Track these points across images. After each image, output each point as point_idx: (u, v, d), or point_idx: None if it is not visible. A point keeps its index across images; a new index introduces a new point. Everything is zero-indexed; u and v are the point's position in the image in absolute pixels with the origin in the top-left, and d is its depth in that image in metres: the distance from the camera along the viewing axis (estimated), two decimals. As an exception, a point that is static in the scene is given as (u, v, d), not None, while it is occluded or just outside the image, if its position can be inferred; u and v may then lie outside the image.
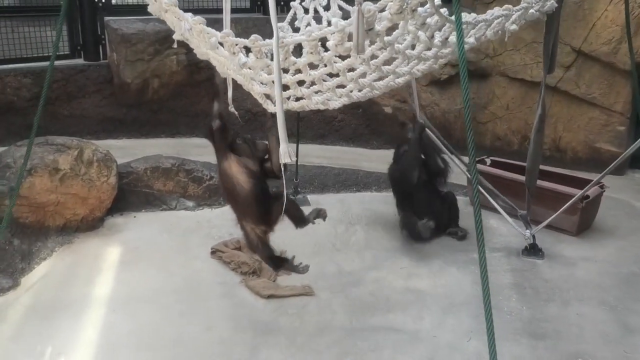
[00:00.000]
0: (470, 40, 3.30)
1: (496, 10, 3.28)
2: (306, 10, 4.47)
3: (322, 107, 3.31)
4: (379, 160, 6.55)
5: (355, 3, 2.52)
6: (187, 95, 7.00)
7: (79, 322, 3.75)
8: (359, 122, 7.38)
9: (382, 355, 3.49)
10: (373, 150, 7.07)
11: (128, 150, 6.02)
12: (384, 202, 5.53)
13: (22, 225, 4.60)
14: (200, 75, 6.94)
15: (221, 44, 3.01)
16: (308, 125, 7.12)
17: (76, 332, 3.65)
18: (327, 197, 5.69)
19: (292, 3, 4.46)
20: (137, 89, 6.76)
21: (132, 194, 5.37)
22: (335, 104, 3.24)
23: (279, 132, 2.74)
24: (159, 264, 4.47)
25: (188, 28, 3.03)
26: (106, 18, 6.89)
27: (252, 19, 7.17)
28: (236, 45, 2.95)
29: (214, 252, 4.69)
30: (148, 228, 5.06)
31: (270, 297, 4.08)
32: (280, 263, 3.88)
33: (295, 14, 4.43)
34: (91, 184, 4.90)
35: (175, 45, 3.36)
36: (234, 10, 3.85)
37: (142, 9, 6.93)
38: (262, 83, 3.26)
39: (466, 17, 3.11)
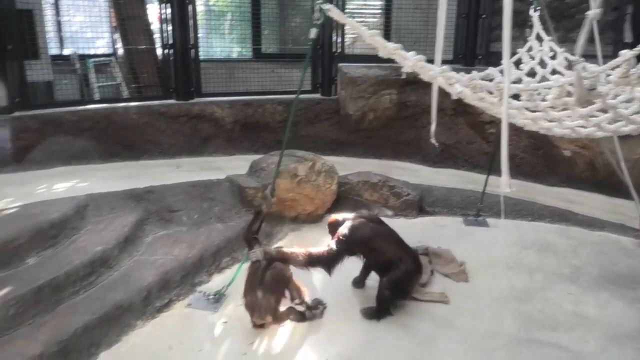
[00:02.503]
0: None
1: None
2: (532, 57, 4.33)
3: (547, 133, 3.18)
4: (554, 196, 6.12)
5: (573, 67, 2.39)
6: (395, 127, 7.18)
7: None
8: (538, 162, 6.93)
9: (546, 365, 3.28)
10: (549, 187, 6.59)
11: (346, 166, 6.34)
12: (557, 233, 5.16)
13: (268, 213, 5.08)
14: (407, 112, 7.08)
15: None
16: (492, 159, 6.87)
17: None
18: (504, 222, 5.45)
19: (519, 50, 4.34)
20: (357, 120, 7.10)
21: (345, 200, 5.66)
22: (558, 132, 3.10)
23: (502, 163, 2.69)
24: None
25: (410, 65, 3.15)
26: (339, 64, 7.34)
27: (455, 69, 7.13)
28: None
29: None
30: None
31: (412, 299, 4.00)
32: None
33: (520, 59, 4.33)
34: (318, 188, 5.27)
35: (404, 76, 3.48)
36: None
37: (367, 58, 7.34)
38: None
39: None
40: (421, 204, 5.72)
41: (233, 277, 4.01)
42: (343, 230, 3.75)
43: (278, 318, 3.58)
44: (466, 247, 4.83)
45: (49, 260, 3.74)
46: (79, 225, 4.23)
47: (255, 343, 3.47)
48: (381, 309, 3.78)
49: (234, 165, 6.07)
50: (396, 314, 3.82)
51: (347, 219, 3.87)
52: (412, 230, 5.24)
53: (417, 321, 3.76)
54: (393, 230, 4.00)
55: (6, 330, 3.18)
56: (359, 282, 4.15)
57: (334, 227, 3.88)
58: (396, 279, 3.74)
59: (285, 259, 3.56)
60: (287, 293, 3.62)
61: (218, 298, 3.94)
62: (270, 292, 3.50)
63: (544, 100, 2.70)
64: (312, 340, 3.52)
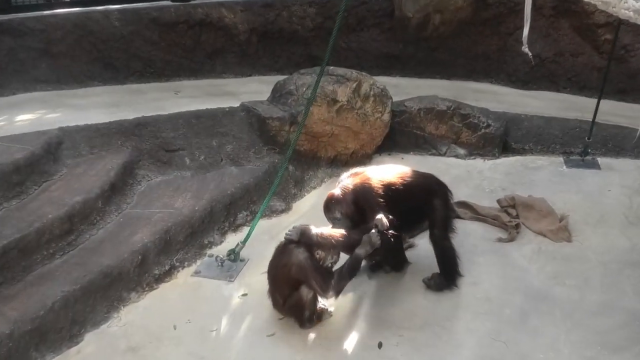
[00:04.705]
0: None
1: None
2: None
3: None
4: (695, 127, 5.86)
5: None
6: (470, 34, 6.92)
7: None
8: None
9: (681, 352, 3.21)
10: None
11: (401, 89, 6.21)
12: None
13: (298, 153, 5.07)
14: (488, 13, 6.80)
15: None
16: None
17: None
18: (622, 162, 5.29)
19: None
20: (417, 25, 6.88)
21: (402, 135, 5.58)
22: None
23: None
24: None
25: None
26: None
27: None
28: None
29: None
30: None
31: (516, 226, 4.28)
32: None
33: None
34: (365, 118, 5.18)
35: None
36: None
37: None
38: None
39: None
40: (506, 139, 5.60)
41: (249, 231, 4.03)
42: (366, 197, 3.59)
43: (298, 320, 3.46)
44: (568, 196, 4.74)
45: (15, 214, 3.80)
46: (51, 169, 4.28)
47: (285, 321, 3.50)
48: (451, 269, 3.77)
49: (251, 89, 6.00)
50: (476, 284, 3.80)
51: (345, 188, 3.64)
52: (493, 175, 5.17)
53: (502, 293, 3.73)
54: (399, 166, 3.94)
55: (-35, 303, 3.28)
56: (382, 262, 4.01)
57: (339, 201, 3.62)
58: (445, 220, 3.76)
59: (327, 245, 3.38)
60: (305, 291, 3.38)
61: (233, 259, 3.99)
62: (274, 286, 3.45)
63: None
64: (364, 322, 3.54)
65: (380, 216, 3.42)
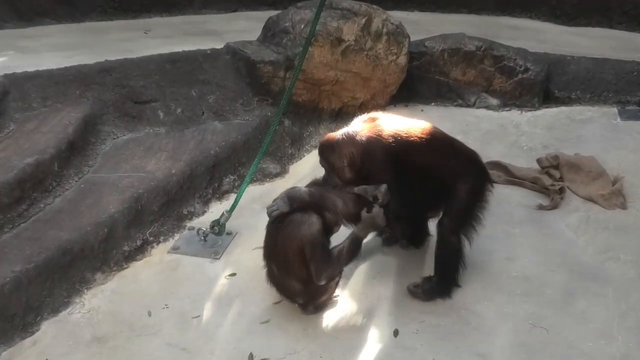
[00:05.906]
0: None
1: None
2: None
3: None
4: None
5: None
6: (504, -41, 6.89)
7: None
8: None
9: None
10: None
11: (421, 26, 6.17)
12: None
13: (295, 104, 5.05)
14: None
15: None
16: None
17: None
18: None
19: None
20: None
21: (421, 82, 5.57)
22: None
23: None
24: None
25: None
26: None
27: None
28: None
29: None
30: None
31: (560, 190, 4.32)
32: None
33: None
34: (377, 62, 5.15)
35: None
36: None
37: None
38: None
39: None
40: (548, 85, 5.58)
41: (236, 198, 4.05)
42: (370, 155, 3.44)
43: (305, 304, 3.45)
44: (624, 155, 4.74)
45: (-46, 179, 3.81)
46: (-4, 124, 4.27)
47: (282, 305, 3.52)
48: (448, 272, 3.61)
49: (237, 27, 5.99)
50: (512, 259, 3.81)
51: (349, 135, 3.49)
52: (532, 129, 5.18)
53: (543, 270, 3.74)
54: (428, 124, 3.69)
55: None
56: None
57: (332, 148, 3.53)
58: (463, 212, 3.55)
59: (323, 205, 3.32)
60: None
61: (218, 232, 4.00)
62: (288, 273, 3.33)
63: None
64: (377, 306, 3.56)
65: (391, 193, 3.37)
